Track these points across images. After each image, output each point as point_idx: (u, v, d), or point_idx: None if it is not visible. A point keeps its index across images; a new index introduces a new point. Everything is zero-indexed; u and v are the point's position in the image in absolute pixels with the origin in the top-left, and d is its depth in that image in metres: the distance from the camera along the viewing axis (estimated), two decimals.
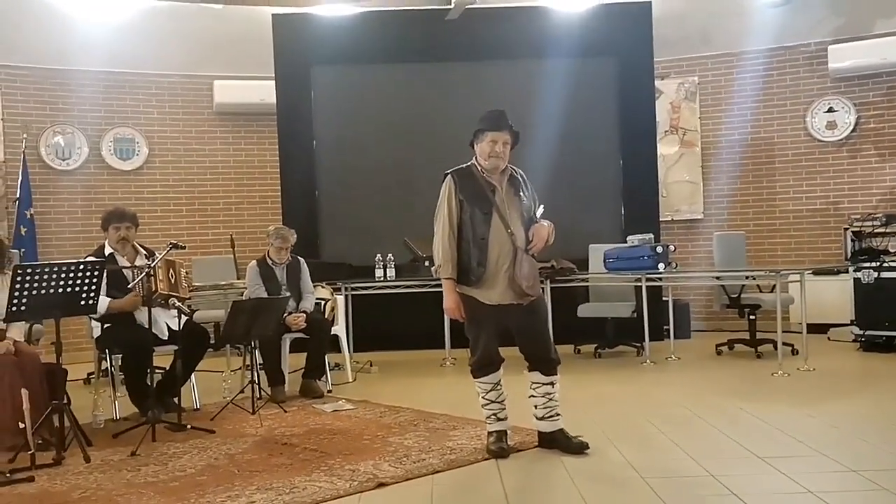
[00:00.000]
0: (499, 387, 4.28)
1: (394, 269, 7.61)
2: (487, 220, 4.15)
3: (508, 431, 4.31)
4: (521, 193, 4.26)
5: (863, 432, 4.50)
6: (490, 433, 4.30)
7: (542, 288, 4.31)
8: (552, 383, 4.26)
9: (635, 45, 8.64)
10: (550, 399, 4.26)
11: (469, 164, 4.33)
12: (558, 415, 4.29)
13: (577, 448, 4.20)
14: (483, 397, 4.28)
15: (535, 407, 4.29)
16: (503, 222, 4.15)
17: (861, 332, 7.40)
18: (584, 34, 8.43)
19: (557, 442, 4.25)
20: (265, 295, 6.11)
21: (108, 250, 5.40)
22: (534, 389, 4.28)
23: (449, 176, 4.29)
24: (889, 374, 6.36)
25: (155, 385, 5.09)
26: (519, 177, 4.33)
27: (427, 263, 7.57)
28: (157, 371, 5.22)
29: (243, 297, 6.31)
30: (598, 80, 8.69)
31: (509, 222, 4.16)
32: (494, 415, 4.28)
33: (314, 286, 6.54)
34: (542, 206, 4.35)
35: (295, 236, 6.43)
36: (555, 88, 8.19)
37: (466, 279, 4.18)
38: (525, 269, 4.13)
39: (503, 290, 4.15)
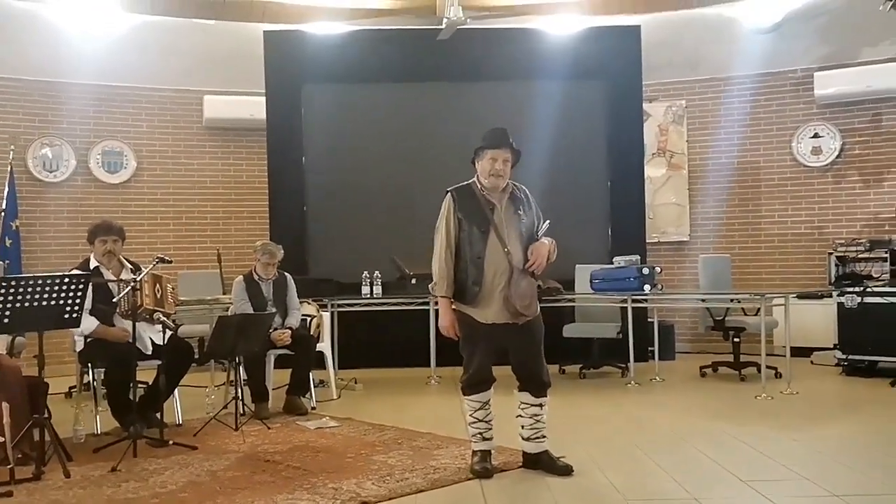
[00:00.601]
0: (487, 406, 4.27)
1: (380, 287, 7.60)
2: (484, 239, 4.15)
3: (493, 452, 4.30)
4: (522, 211, 4.24)
5: (845, 456, 4.52)
6: (475, 452, 4.29)
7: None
8: (541, 405, 4.26)
9: (624, 68, 8.71)
10: (538, 421, 4.25)
11: (470, 181, 4.32)
12: (544, 437, 4.28)
13: (561, 470, 4.19)
14: (471, 415, 4.27)
15: (522, 427, 4.28)
16: (500, 241, 4.14)
17: (844, 357, 7.44)
18: (574, 57, 8.50)
19: (542, 463, 4.25)
20: (251, 310, 6.09)
21: (93, 263, 5.37)
22: (522, 410, 4.27)
23: (449, 194, 4.29)
24: (872, 399, 6.38)
25: (137, 400, 5.04)
26: (521, 194, 4.31)
27: (413, 281, 7.59)
28: (139, 386, 5.18)
29: (229, 313, 6.29)
30: (586, 102, 8.75)
31: (507, 241, 4.15)
32: (480, 434, 4.27)
33: (300, 302, 6.53)
34: (547, 222, 4.32)
35: (282, 252, 6.42)
36: (544, 110, 8.25)
37: (463, 297, 4.19)
38: (521, 289, 4.11)
39: (498, 310, 4.14)
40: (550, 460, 4.25)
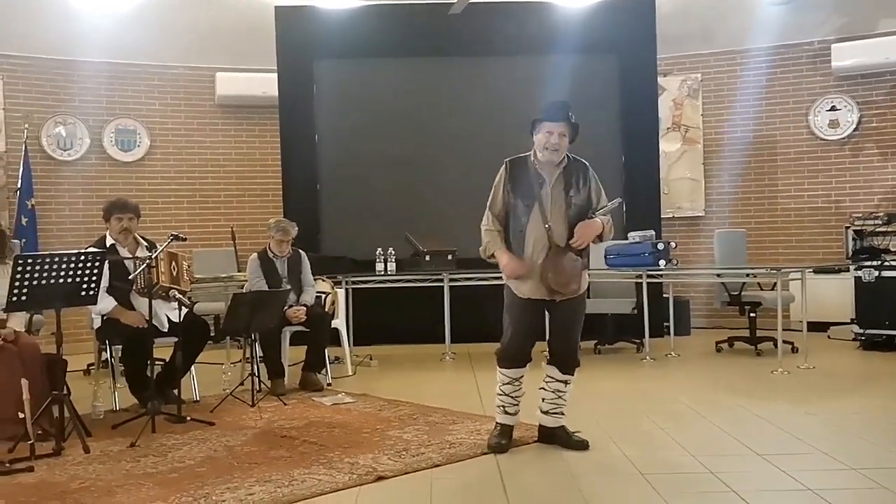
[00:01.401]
0: (517, 383, 4.22)
1: (394, 264, 7.60)
2: (527, 213, 4.10)
3: (513, 428, 4.28)
4: (573, 188, 4.14)
5: (862, 430, 4.50)
6: (496, 425, 4.29)
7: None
8: (566, 382, 4.25)
9: (638, 41, 8.63)
10: (559, 397, 4.25)
11: (528, 153, 4.23)
12: (563, 413, 4.28)
13: (577, 445, 4.20)
14: (499, 387, 4.26)
15: (543, 400, 4.28)
16: (542, 216, 4.08)
17: (861, 331, 7.41)
18: (587, 30, 8.42)
19: (558, 438, 4.26)
20: (266, 288, 6.11)
21: (109, 241, 5.39)
22: (546, 383, 4.27)
23: (505, 163, 4.23)
24: (889, 373, 6.36)
25: (155, 376, 5.08)
26: (578, 171, 4.20)
27: (427, 258, 7.59)
28: (157, 363, 5.22)
29: (244, 290, 6.31)
30: (600, 76, 8.67)
31: (548, 217, 4.08)
32: (503, 407, 4.25)
33: (315, 280, 6.54)
34: (617, 200, 4.28)
35: (296, 229, 6.42)
36: (557, 84, 8.15)
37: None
38: (558, 267, 4.05)
39: (535, 285, 4.09)
40: (566, 435, 4.25)
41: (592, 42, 8.43)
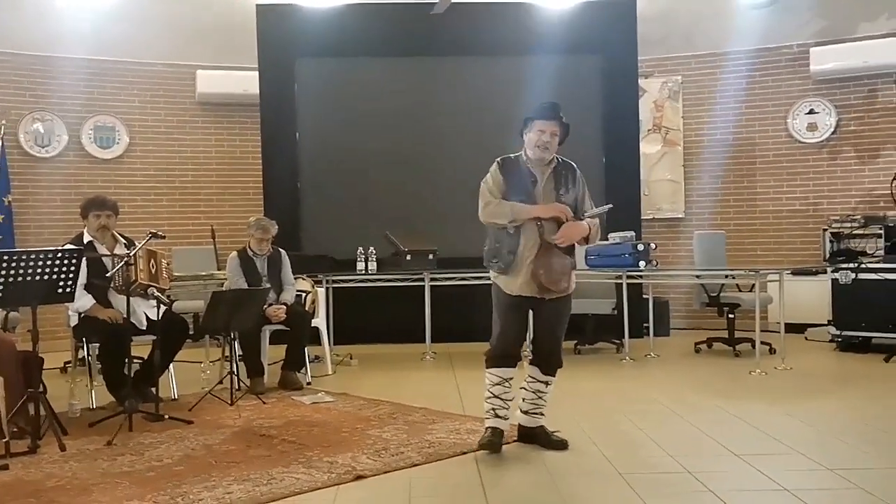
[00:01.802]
0: (507, 384, 4.18)
1: (375, 263, 7.59)
2: None
3: (504, 432, 4.22)
4: (564, 188, 4.17)
5: (838, 431, 4.54)
6: (487, 428, 4.21)
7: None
8: (547, 383, 4.26)
9: (619, 43, 8.66)
10: (540, 397, 4.26)
11: (519, 153, 4.24)
12: (542, 413, 4.29)
13: (556, 445, 4.21)
14: (488, 390, 4.20)
15: (523, 400, 4.28)
16: None
17: (838, 333, 7.47)
18: (569, 31, 8.45)
19: (537, 437, 4.26)
20: (245, 286, 6.08)
21: (86, 238, 5.35)
22: (527, 383, 4.27)
23: (496, 162, 4.23)
24: (865, 375, 6.42)
25: (132, 375, 5.04)
26: (567, 172, 4.23)
27: (408, 257, 7.59)
28: (134, 361, 5.18)
29: (224, 288, 6.28)
30: (582, 77, 8.69)
31: None
32: (494, 410, 4.19)
33: (295, 278, 6.52)
34: (607, 206, 4.36)
35: (276, 228, 6.40)
36: (539, 85, 8.16)
37: (495, 265, 4.16)
38: (548, 265, 4.06)
39: (525, 282, 4.09)
40: (546, 435, 4.26)
41: (574, 43, 8.45)
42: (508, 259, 4.10)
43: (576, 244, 4.23)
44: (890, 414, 5.04)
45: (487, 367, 4.21)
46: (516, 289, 4.12)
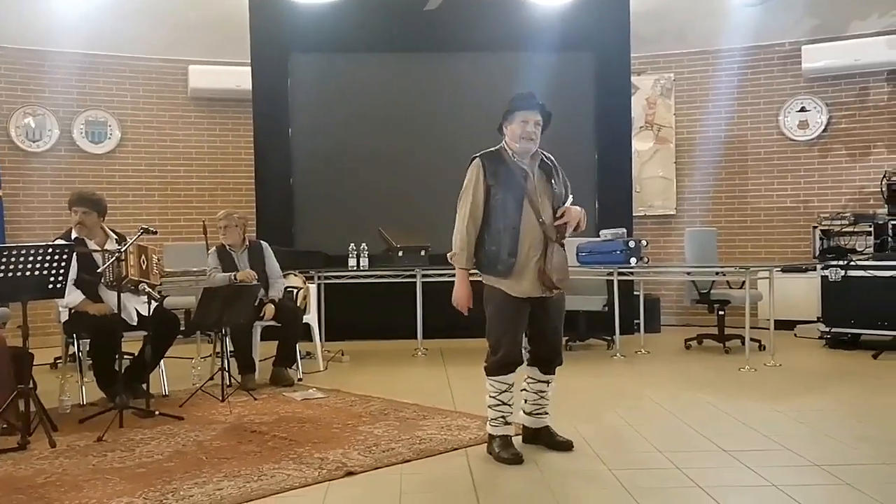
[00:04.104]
0: (512, 388, 4.02)
1: (367, 259, 7.58)
2: (519, 209, 3.92)
3: (511, 437, 4.08)
4: (554, 180, 4.05)
5: (827, 427, 4.56)
6: (494, 437, 4.03)
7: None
8: (548, 382, 4.17)
9: (612, 40, 8.68)
10: (542, 397, 4.18)
11: (498, 147, 4.06)
12: (547, 413, 4.21)
13: (561, 446, 4.11)
14: (495, 398, 4.00)
15: (525, 401, 4.19)
16: (534, 211, 3.94)
17: (827, 330, 7.51)
18: (562, 28, 8.44)
19: (542, 438, 4.19)
20: (223, 275, 6.09)
21: (75, 234, 5.33)
22: (528, 384, 4.17)
23: (477, 159, 4.01)
24: (853, 371, 6.45)
25: (123, 371, 5.03)
26: (550, 163, 4.09)
27: (400, 253, 7.58)
28: (125, 357, 5.17)
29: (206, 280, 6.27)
30: (574, 74, 8.70)
31: (541, 211, 3.95)
32: (503, 417, 4.01)
33: (286, 274, 6.51)
34: (571, 198, 4.15)
35: (239, 215, 6.37)
36: (531, 81, 8.13)
37: (494, 270, 3.95)
38: (556, 261, 3.93)
39: (533, 283, 3.93)
40: (550, 435, 4.18)
41: (567, 40, 8.45)
42: (510, 263, 3.91)
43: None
44: (878, 410, 5.07)
45: (491, 375, 4.00)
46: (525, 290, 3.95)
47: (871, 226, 7.84)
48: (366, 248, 7.60)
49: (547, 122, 4.07)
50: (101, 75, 9.01)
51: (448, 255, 4.10)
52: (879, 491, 3.41)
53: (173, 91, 9.28)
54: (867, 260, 7.41)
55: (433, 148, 8.54)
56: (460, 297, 4.03)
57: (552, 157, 4.16)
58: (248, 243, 6.33)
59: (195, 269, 7.17)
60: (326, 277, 7.53)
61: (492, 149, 4.09)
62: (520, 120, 3.99)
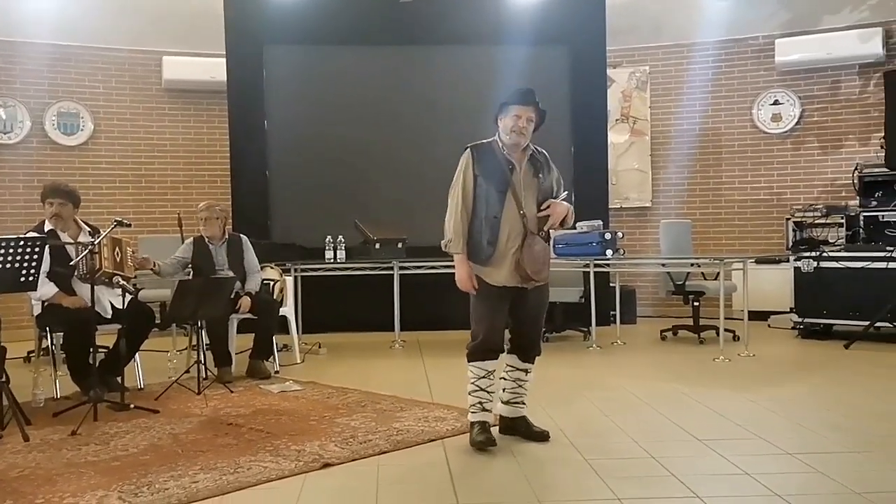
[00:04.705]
0: (492, 376, 4.08)
1: (344, 251, 7.57)
2: (501, 199, 4.00)
3: (489, 423, 4.14)
4: (541, 175, 4.10)
5: (800, 416, 4.62)
6: (473, 423, 4.09)
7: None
8: (526, 370, 4.21)
9: (588, 33, 8.70)
10: (520, 385, 4.21)
11: (491, 139, 4.13)
12: (524, 403, 4.24)
13: (537, 436, 4.15)
14: (473, 383, 4.08)
15: (503, 390, 4.22)
16: (517, 202, 4.01)
17: (800, 320, 7.59)
18: (538, 21, 8.47)
19: (518, 428, 4.21)
20: (176, 264, 6.08)
21: (48, 226, 5.28)
22: (506, 373, 4.21)
23: (468, 150, 4.10)
24: (826, 361, 6.53)
25: (97, 364, 5.00)
26: (541, 158, 4.15)
27: (377, 245, 7.57)
28: (99, 350, 5.13)
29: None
30: (550, 67, 8.71)
31: (523, 203, 4.02)
32: (480, 404, 4.08)
33: (262, 267, 6.48)
34: (565, 192, 4.20)
35: (220, 207, 6.34)
36: (507, 74, 8.19)
37: (476, 257, 4.05)
38: (533, 254, 4.00)
39: (509, 273, 4.01)
40: (527, 426, 4.21)
41: (543, 33, 8.47)
42: (489, 251, 4.00)
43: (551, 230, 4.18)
44: (850, 399, 5.13)
45: (471, 361, 4.08)
46: (501, 279, 4.02)
47: (842, 218, 7.95)
48: (342, 240, 7.58)
49: (541, 121, 4.14)
50: (73, 66, 8.91)
51: (442, 242, 4.15)
52: (851, 479, 3.46)
53: (147, 82, 9.19)
54: (839, 251, 7.50)
55: (409, 140, 8.53)
56: (462, 278, 4.09)
57: (546, 153, 4.22)
58: (227, 236, 6.29)
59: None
60: (303, 270, 7.50)
61: (485, 140, 4.16)
62: (513, 114, 4.05)
